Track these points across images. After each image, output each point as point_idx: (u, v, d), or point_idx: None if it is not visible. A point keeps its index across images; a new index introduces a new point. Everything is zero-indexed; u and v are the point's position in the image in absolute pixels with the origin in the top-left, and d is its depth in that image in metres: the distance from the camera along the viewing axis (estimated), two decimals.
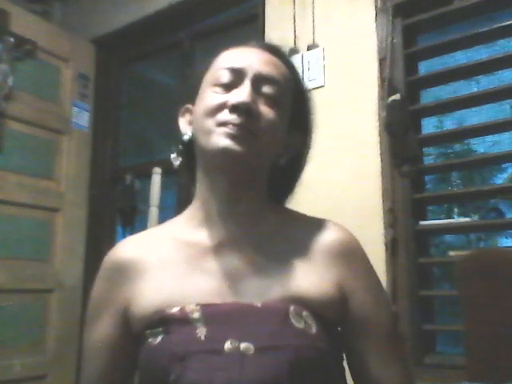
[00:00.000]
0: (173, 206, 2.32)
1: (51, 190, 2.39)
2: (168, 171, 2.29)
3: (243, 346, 0.65)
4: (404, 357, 0.79)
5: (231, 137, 0.71)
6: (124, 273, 0.78)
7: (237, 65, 0.76)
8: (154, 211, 2.17)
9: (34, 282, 2.27)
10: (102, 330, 0.78)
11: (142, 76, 3.03)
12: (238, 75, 0.76)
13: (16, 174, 2.24)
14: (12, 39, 2.21)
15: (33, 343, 2.24)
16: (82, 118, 2.55)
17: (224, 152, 0.71)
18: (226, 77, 0.76)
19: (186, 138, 0.81)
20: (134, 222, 2.48)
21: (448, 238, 3.02)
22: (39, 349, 2.25)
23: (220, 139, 0.71)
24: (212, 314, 0.68)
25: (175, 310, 0.70)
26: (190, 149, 0.81)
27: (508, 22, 1.53)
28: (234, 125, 0.71)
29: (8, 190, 2.20)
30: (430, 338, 1.58)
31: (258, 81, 0.75)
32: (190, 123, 0.81)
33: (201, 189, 0.80)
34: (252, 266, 0.73)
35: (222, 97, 0.74)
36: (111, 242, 2.54)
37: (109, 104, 2.73)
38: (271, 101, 0.75)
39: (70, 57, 2.51)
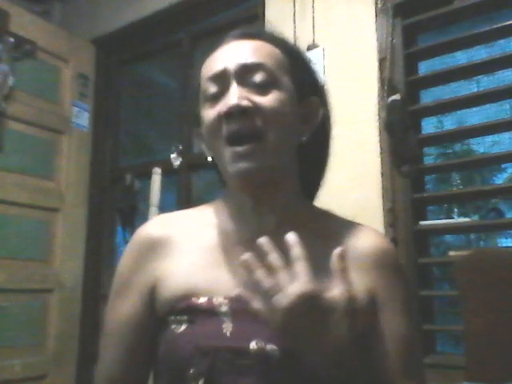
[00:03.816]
0: (173, 206, 2.31)
1: (51, 190, 2.38)
2: (168, 171, 2.30)
3: (269, 347, 0.63)
4: (421, 372, 0.75)
5: (241, 156, 0.68)
6: (154, 250, 0.76)
7: (217, 69, 0.72)
8: (153, 211, 2.18)
9: (34, 282, 2.27)
10: (127, 308, 0.75)
11: (141, 76, 3.03)
12: (222, 79, 0.72)
13: (16, 173, 2.24)
14: (12, 39, 2.21)
15: (33, 343, 2.24)
16: (82, 118, 2.55)
17: (241, 175, 0.69)
18: (212, 87, 0.72)
19: (209, 160, 0.79)
20: (134, 222, 2.48)
21: (448, 238, 3.03)
22: (39, 349, 2.25)
23: (234, 165, 0.69)
24: (240, 309, 0.65)
25: (202, 300, 0.68)
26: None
27: (508, 22, 1.53)
28: (236, 135, 0.68)
29: (8, 190, 2.20)
30: (430, 337, 1.58)
31: (243, 73, 0.71)
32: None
33: (229, 196, 0.79)
34: None
35: (216, 110, 0.71)
36: (111, 242, 2.55)
37: (109, 104, 2.73)
38: (264, 87, 0.71)
39: (69, 57, 2.51)
